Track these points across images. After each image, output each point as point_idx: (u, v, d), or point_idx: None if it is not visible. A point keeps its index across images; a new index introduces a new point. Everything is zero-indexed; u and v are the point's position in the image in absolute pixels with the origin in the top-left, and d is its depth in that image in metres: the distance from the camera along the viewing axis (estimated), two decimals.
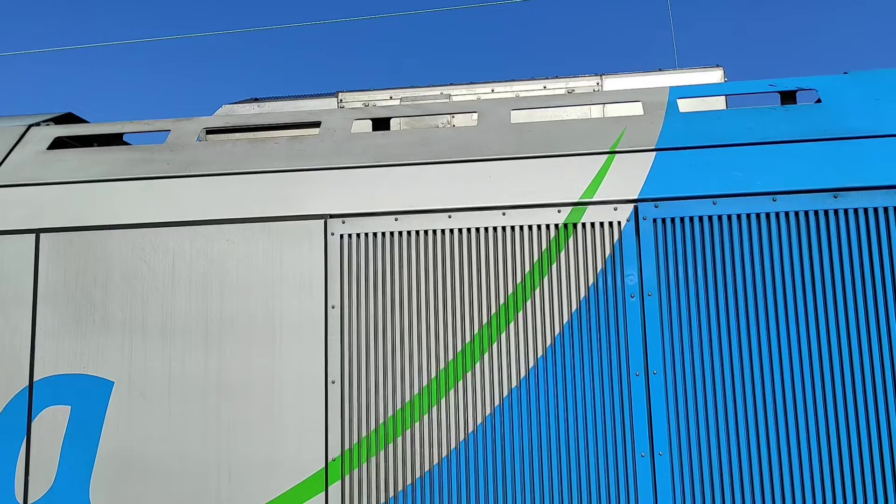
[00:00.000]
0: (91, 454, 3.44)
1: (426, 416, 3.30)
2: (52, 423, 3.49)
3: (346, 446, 3.31)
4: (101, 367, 3.50)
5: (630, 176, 3.36)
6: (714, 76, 4.12)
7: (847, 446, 3.07)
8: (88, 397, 3.48)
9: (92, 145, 4.18)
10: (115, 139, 4.22)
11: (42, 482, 3.46)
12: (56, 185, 3.70)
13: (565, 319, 3.29)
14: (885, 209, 3.19)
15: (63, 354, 3.52)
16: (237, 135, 4.13)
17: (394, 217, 3.45)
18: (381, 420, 3.32)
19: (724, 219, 3.27)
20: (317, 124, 3.89)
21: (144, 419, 3.44)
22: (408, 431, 3.30)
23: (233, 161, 3.67)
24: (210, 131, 4.09)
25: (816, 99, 3.56)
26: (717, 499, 3.11)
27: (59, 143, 4.01)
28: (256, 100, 4.44)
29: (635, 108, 3.88)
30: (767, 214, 3.25)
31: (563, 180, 3.39)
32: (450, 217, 3.42)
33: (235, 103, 4.42)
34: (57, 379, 3.51)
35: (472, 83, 4.31)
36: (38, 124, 4.09)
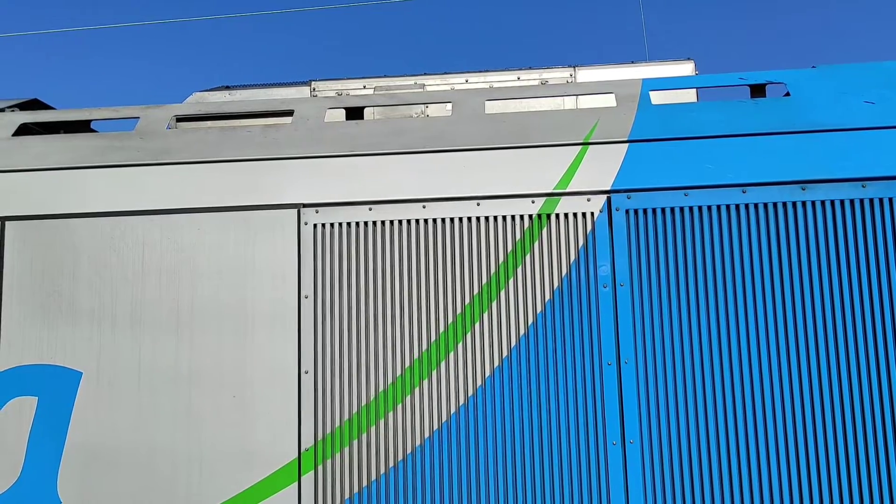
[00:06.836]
0: (59, 446, 3.38)
1: (399, 406, 3.30)
2: (18, 415, 3.42)
3: (320, 436, 3.30)
4: (68, 358, 3.44)
5: (603, 167, 3.39)
6: (685, 69, 4.16)
7: (812, 434, 3.14)
8: (56, 388, 3.42)
9: (59, 132, 4.10)
10: (82, 126, 4.14)
11: (8, 475, 3.39)
12: (22, 173, 3.63)
13: (539, 309, 3.31)
14: (851, 201, 3.25)
15: (29, 344, 3.46)
16: (208, 123, 4.08)
17: (368, 207, 3.44)
18: (355, 410, 3.31)
19: (696, 210, 3.31)
20: (290, 113, 3.85)
21: (114, 410, 3.40)
22: (381, 421, 3.30)
23: (204, 149, 3.62)
24: (180, 119, 4.03)
25: (785, 92, 3.61)
26: (687, 486, 3.16)
27: (24, 130, 3.93)
28: (228, 87, 4.38)
29: (608, 100, 3.91)
30: (737, 206, 3.29)
31: (537, 171, 3.41)
32: (424, 207, 3.42)
33: (206, 91, 4.36)
34: (23, 370, 3.45)
35: (446, 73, 4.30)
36: (2, 110, 3.99)
